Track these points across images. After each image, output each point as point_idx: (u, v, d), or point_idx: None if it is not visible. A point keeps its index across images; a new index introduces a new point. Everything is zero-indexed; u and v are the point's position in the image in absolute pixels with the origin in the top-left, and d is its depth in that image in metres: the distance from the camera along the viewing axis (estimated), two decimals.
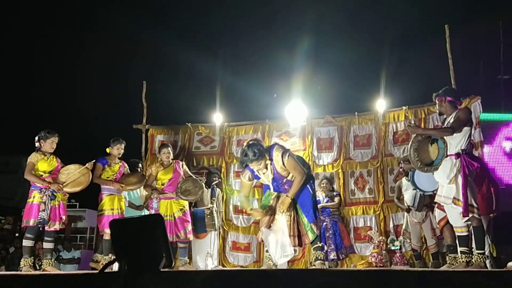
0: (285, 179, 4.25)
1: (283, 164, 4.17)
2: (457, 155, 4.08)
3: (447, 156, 4.16)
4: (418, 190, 6.01)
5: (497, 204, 4.98)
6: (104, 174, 5.69)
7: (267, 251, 4.29)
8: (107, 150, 5.82)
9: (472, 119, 4.26)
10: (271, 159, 4.20)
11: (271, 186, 4.34)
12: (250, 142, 4.22)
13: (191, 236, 5.92)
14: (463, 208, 3.97)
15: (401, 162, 6.72)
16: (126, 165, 5.98)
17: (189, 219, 5.93)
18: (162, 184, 5.89)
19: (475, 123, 6.83)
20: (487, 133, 8.25)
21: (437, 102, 4.37)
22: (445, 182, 4.11)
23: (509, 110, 10.29)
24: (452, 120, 4.16)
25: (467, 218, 4.01)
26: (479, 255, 3.94)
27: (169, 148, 6.05)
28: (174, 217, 5.75)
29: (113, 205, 5.63)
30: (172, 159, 6.04)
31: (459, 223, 4.13)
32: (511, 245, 6.85)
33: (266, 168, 4.23)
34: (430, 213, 6.42)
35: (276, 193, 4.34)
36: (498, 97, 11.27)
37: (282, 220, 4.23)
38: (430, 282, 2.63)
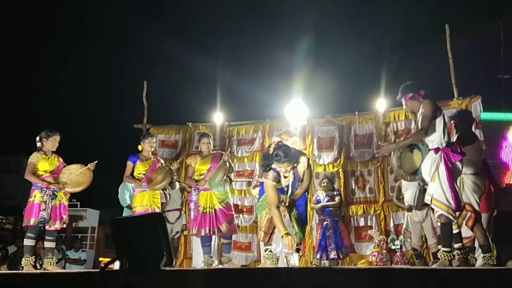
0: (298, 183, 4.35)
1: (305, 170, 4.30)
2: (437, 149, 3.90)
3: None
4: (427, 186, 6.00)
5: (497, 203, 4.96)
6: (136, 170, 5.59)
7: (265, 250, 4.32)
8: (139, 147, 5.72)
9: (438, 108, 3.98)
10: (297, 163, 4.29)
11: (288, 188, 4.35)
12: (280, 144, 4.30)
13: (235, 231, 5.54)
14: (454, 203, 3.80)
15: None
16: (161, 160, 5.84)
17: (233, 212, 5.53)
18: (201, 175, 5.52)
19: (476, 122, 6.82)
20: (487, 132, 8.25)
21: (403, 104, 4.21)
22: (428, 180, 3.98)
23: (509, 110, 10.30)
24: (419, 119, 4.00)
25: (438, 213, 3.91)
26: (444, 252, 3.83)
27: (210, 139, 5.72)
28: (215, 210, 5.36)
29: (143, 201, 5.49)
30: (212, 150, 5.70)
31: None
32: (511, 244, 6.86)
33: (291, 170, 4.27)
34: (430, 212, 6.43)
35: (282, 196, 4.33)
36: (498, 97, 11.28)
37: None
38: (430, 281, 2.63)
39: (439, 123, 3.91)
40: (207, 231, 5.29)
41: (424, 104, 3.95)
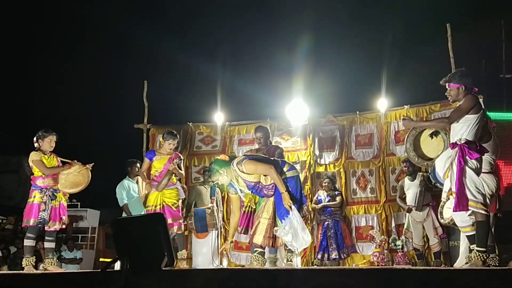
0: (259, 184, 4.33)
1: (244, 172, 4.28)
2: (454, 145, 3.80)
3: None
4: (439, 185, 6.01)
5: (501, 204, 4.94)
6: (152, 168, 5.46)
7: (255, 251, 4.33)
8: (161, 139, 5.62)
9: (478, 107, 3.81)
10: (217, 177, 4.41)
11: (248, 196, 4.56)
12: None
13: None
14: (455, 201, 3.71)
15: (404, 162, 6.72)
16: (176, 157, 5.51)
17: None
18: None
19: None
20: None
21: (451, 88, 3.95)
22: (441, 176, 3.92)
23: (511, 109, 10.26)
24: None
25: (469, 212, 3.78)
26: (478, 253, 3.67)
27: (260, 133, 5.54)
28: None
29: (150, 201, 5.37)
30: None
31: (464, 222, 3.91)
32: None
33: (237, 180, 4.37)
34: (431, 212, 6.43)
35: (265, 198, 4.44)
36: (500, 96, 11.25)
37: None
38: (431, 281, 2.62)
39: (470, 120, 3.79)
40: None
41: (465, 98, 3.84)
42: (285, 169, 4.38)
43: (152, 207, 5.32)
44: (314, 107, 8.18)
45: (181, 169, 5.54)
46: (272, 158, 4.58)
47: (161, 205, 5.31)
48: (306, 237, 4.16)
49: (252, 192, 4.45)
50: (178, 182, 5.63)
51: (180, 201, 5.55)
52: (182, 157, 5.68)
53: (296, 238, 4.10)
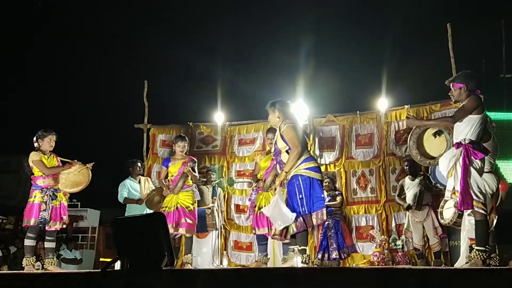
0: (280, 154, 4.35)
1: (280, 131, 4.30)
2: (458, 144, 3.84)
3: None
4: (439, 185, 6.01)
5: (501, 203, 4.95)
6: (169, 173, 5.66)
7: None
8: (174, 147, 5.76)
9: (481, 108, 3.86)
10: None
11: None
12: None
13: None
14: (459, 199, 3.73)
15: (406, 161, 6.73)
16: (190, 161, 5.63)
17: None
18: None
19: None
20: None
21: (454, 88, 3.98)
22: (445, 175, 3.94)
23: (511, 109, 10.26)
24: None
25: (468, 212, 3.81)
26: (478, 252, 3.68)
27: (272, 134, 5.47)
28: None
29: (165, 203, 5.55)
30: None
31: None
32: None
33: (277, 133, 4.41)
34: (431, 211, 6.43)
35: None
36: (500, 96, 11.25)
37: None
38: (431, 281, 2.62)
39: (473, 120, 3.83)
40: (266, 231, 5.31)
41: (469, 98, 3.88)
42: (310, 164, 4.25)
43: (166, 208, 5.47)
44: (315, 106, 8.19)
45: (195, 172, 5.68)
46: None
47: (175, 207, 5.46)
48: (278, 224, 4.12)
49: (272, 151, 4.56)
50: (194, 185, 5.75)
51: (196, 204, 5.68)
52: (196, 160, 5.82)
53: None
